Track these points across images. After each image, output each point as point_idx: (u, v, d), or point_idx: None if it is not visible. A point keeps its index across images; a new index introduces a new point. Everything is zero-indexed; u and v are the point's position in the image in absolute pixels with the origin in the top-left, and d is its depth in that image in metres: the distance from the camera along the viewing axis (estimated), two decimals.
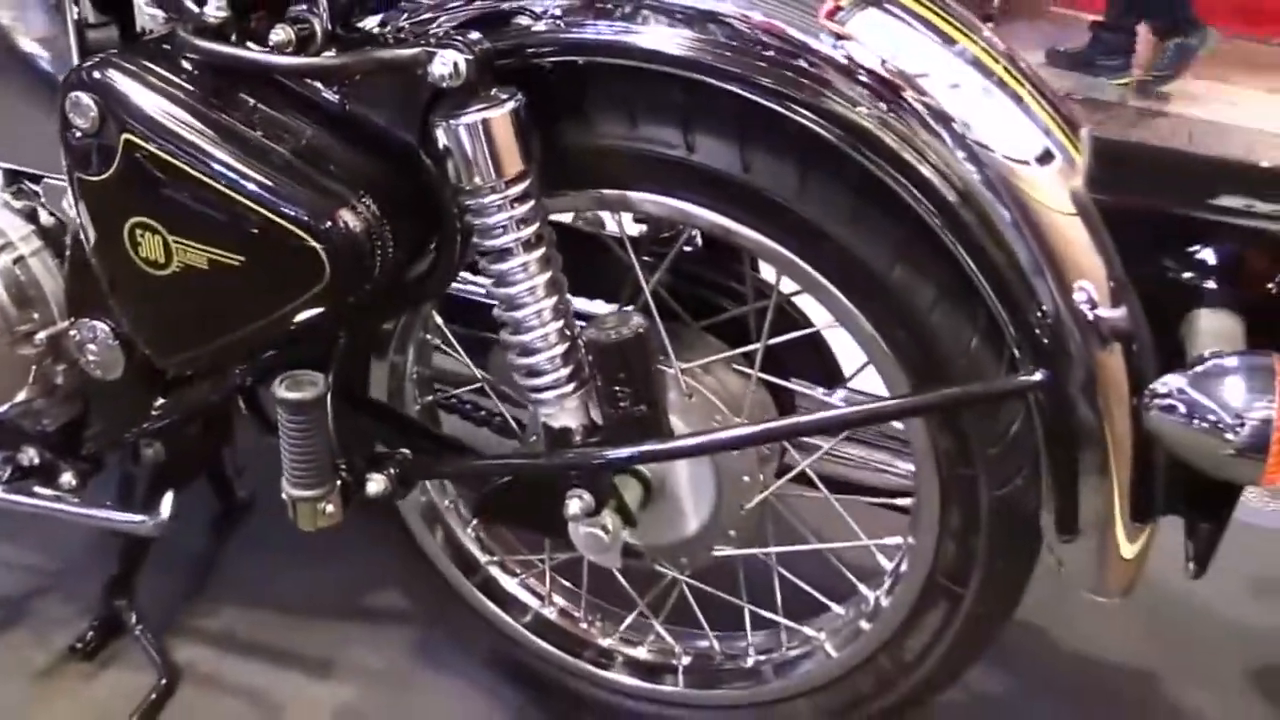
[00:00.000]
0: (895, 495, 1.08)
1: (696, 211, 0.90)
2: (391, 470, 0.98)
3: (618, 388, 0.90)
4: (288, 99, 0.88)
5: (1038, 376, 0.83)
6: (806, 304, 1.00)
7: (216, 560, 1.41)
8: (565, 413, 0.92)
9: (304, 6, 0.88)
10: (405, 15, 0.89)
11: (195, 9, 0.88)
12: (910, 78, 0.81)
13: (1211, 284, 0.82)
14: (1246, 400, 0.75)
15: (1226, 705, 1.28)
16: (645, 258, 1.04)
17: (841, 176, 0.85)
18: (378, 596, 1.35)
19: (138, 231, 0.89)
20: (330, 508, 0.95)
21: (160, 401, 1.08)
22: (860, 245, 0.87)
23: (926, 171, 0.81)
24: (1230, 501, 0.86)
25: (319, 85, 0.88)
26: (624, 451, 0.91)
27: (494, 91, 0.84)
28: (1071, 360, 0.82)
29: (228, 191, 0.85)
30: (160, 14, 0.93)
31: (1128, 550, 0.89)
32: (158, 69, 0.87)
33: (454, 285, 1.04)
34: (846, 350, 1.00)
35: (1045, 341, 0.82)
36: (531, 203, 0.87)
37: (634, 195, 0.91)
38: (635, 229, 1.09)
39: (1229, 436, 0.75)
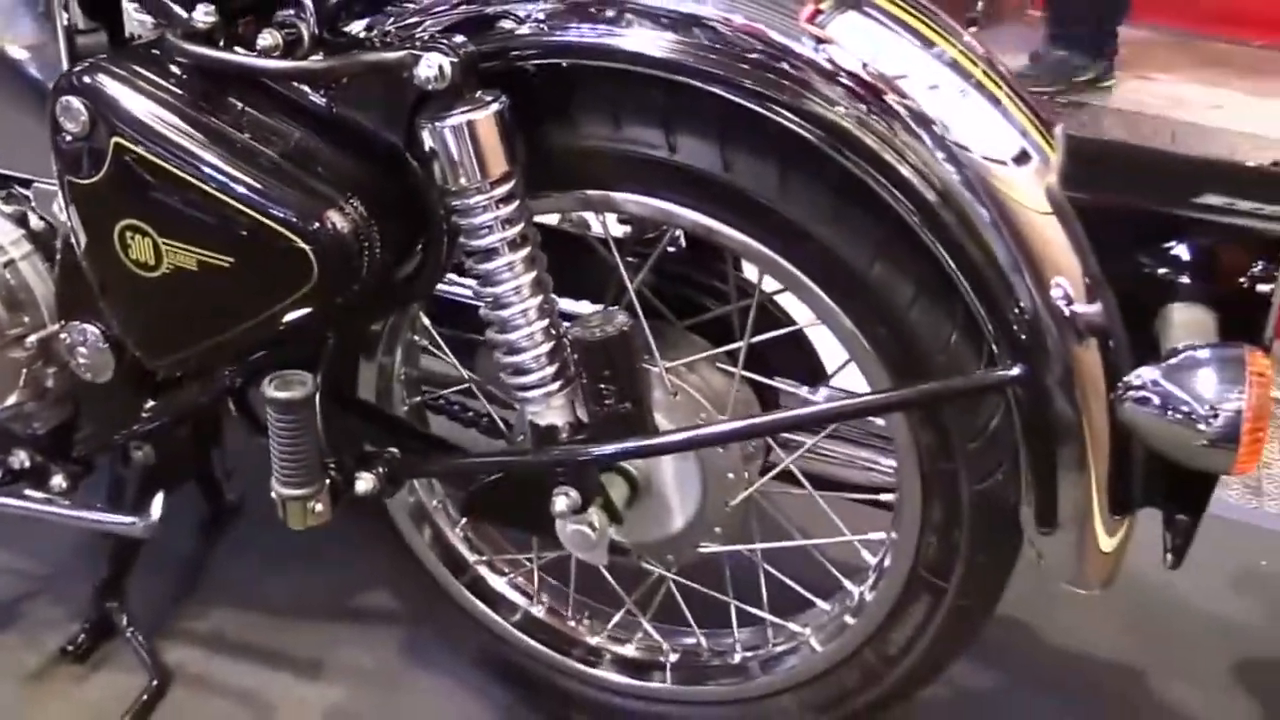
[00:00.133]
0: (878, 491, 1.10)
1: (679, 211, 0.91)
2: (380, 469, 0.99)
3: (603, 385, 0.91)
4: (275, 102, 0.89)
5: (1015, 371, 0.85)
6: (789, 303, 1.01)
7: (206, 562, 1.41)
8: (551, 410, 0.93)
9: (291, 11, 0.89)
10: (391, 19, 0.90)
11: (183, 14, 0.89)
12: (890, 80, 0.83)
13: (1185, 279, 0.83)
14: (1218, 391, 0.76)
15: (1207, 699, 1.29)
16: (629, 258, 1.06)
17: (822, 176, 0.86)
18: (367, 597, 1.36)
19: (128, 234, 0.90)
20: (319, 506, 0.96)
21: (150, 404, 1.09)
22: (840, 244, 0.88)
23: (906, 171, 0.82)
24: (1206, 493, 0.87)
25: (306, 89, 0.89)
26: (609, 448, 0.92)
27: (479, 94, 0.85)
28: (1049, 355, 0.83)
29: (217, 194, 0.86)
30: (149, 19, 0.94)
31: (1106, 543, 0.91)
32: (147, 73, 0.88)
33: (441, 287, 1.05)
34: (829, 348, 1.01)
35: (1023, 337, 0.83)
36: (516, 203, 0.88)
37: (617, 196, 0.93)
38: (619, 230, 1.10)
39: (1201, 427, 0.76)
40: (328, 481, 0.96)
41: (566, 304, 1.09)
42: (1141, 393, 0.79)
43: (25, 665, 1.27)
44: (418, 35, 0.87)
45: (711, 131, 0.87)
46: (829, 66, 0.82)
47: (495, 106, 0.85)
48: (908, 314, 0.89)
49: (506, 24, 0.87)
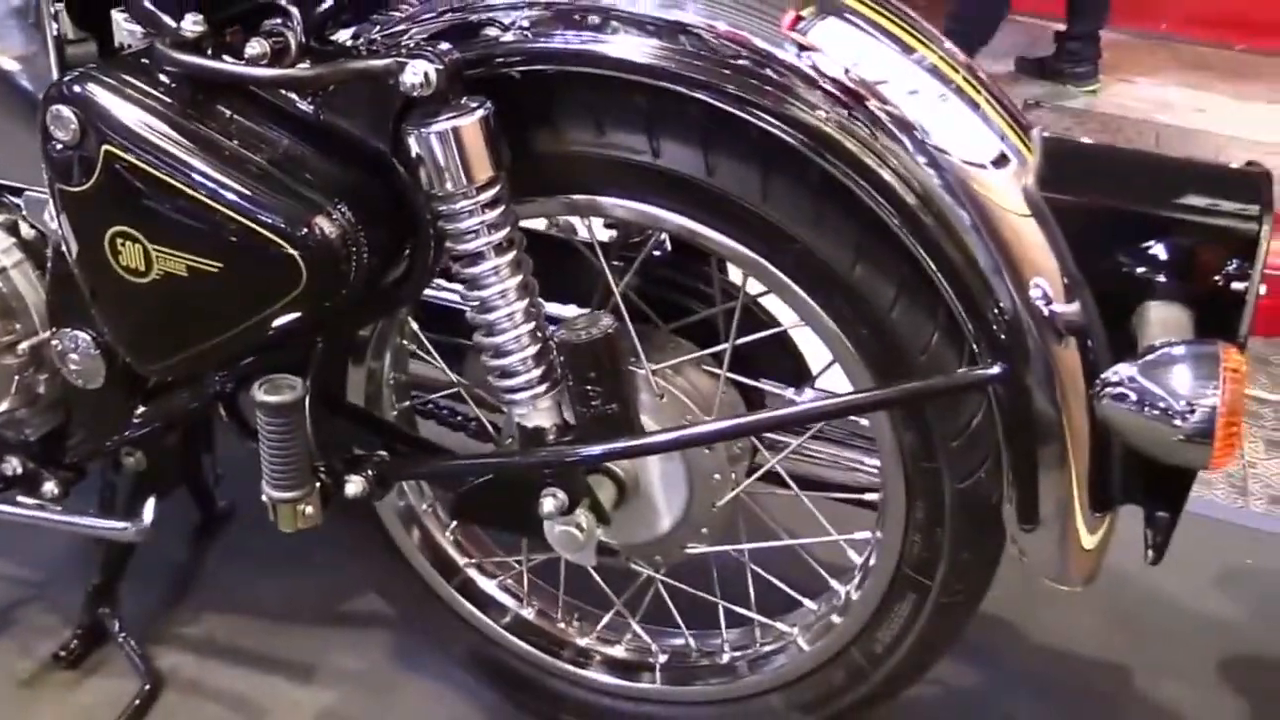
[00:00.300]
0: (864, 491, 1.11)
1: (663, 215, 0.92)
2: (369, 472, 1.00)
3: (589, 387, 0.92)
4: (264, 110, 0.90)
5: (995, 370, 0.86)
6: (774, 305, 1.03)
7: (198, 568, 1.42)
8: (538, 413, 0.94)
9: (278, 20, 0.90)
10: (377, 28, 0.92)
11: (172, 24, 0.90)
12: (871, 85, 0.84)
13: (1161, 278, 0.84)
14: (1193, 387, 0.77)
15: (1195, 696, 1.31)
16: (615, 262, 1.07)
17: (804, 180, 0.87)
18: (358, 601, 1.36)
19: (118, 240, 0.91)
20: (309, 509, 0.96)
21: (141, 409, 1.10)
22: (823, 246, 0.89)
23: (886, 175, 0.83)
24: (1184, 489, 0.88)
25: (294, 96, 0.90)
26: (595, 449, 0.93)
27: (464, 100, 0.86)
28: (1028, 354, 0.84)
29: (206, 200, 0.87)
30: (138, 29, 0.94)
31: (1088, 540, 0.92)
32: (136, 82, 0.89)
33: (429, 292, 1.06)
34: (814, 350, 1.02)
35: (1002, 337, 0.84)
36: (502, 208, 0.89)
37: (603, 200, 0.94)
38: (605, 234, 1.11)
39: (1177, 422, 0.77)
40: (318, 484, 0.97)
41: (553, 308, 1.10)
42: (1119, 389, 0.80)
43: (18, 671, 1.28)
44: (403, 43, 0.88)
45: (694, 136, 0.89)
46: (811, 72, 0.84)
47: (480, 112, 0.86)
48: (889, 315, 0.90)
49: (491, 31, 0.88)
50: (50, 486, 1.16)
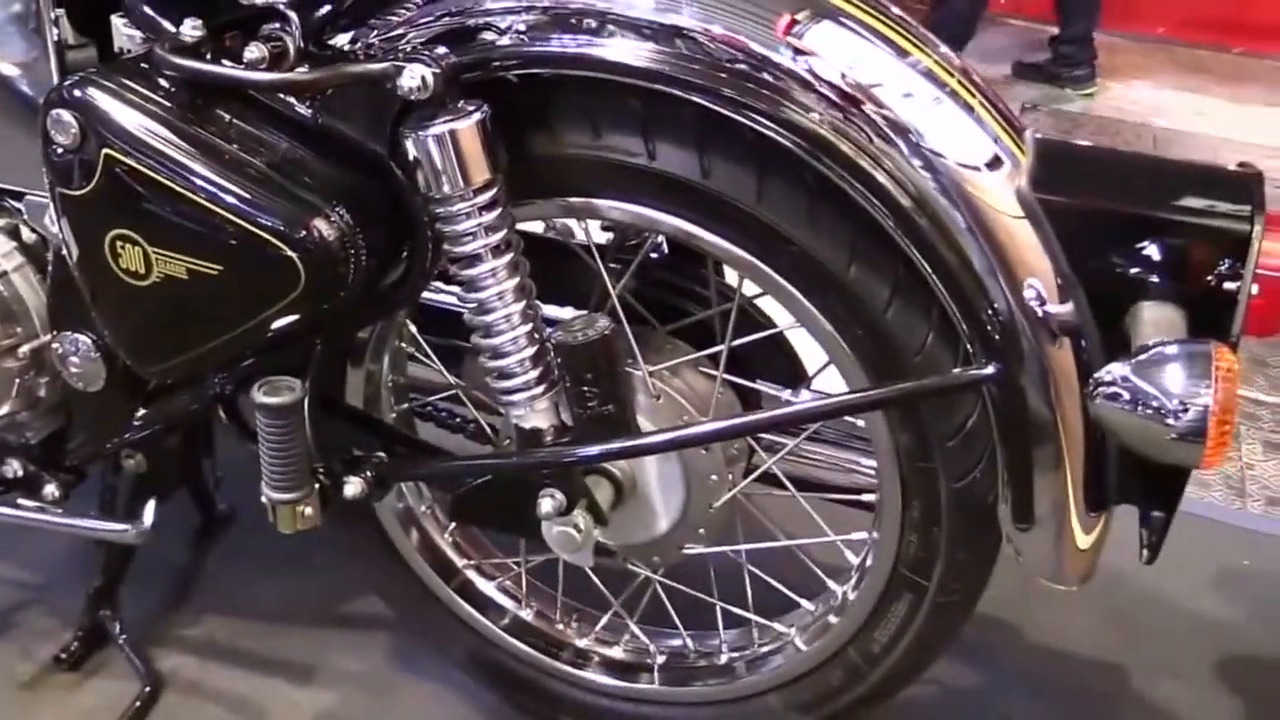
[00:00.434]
0: (860, 492, 1.11)
1: (659, 217, 0.93)
2: (368, 473, 1.01)
3: (585, 388, 0.93)
4: (262, 114, 0.91)
5: (989, 370, 0.86)
6: (770, 307, 1.03)
7: (198, 570, 1.43)
8: (535, 414, 0.95)
9: (277, 25, 0.91)
10: (375, 31, 0.92)
11: (172, 28, 0.91)
12: (866, 88, 0.84)
13: (1154, 278, 0.84)
14: (1186, 386, 0.77)
15: (1191, 696, 1.31)
16: (612, 264, 1.08)
17: (799, 182, 0.88)
18: (357, 603, 1.37)
19: (118, 243, 0.92)
20: (309, 510, 0.97)
21: (141, 412, 1.10)
22: (818, 248, 0.90)
23: (881, 178, 0.84)
24: (1178, 488, 0.89)
25: (292, 100, 0.91)
26: (592, 449, 0.94)
27: (461, 103, 0.87)
28: (1022, 354, 0.85)
29: (206, 203, 0.87)
30: (138, 34, 0.95)
31: (1083, 539, 0.92)
32: (136, 86, 0.90)
33: (427, 294, 1.07)
34: (811, 351, 1.03)
35: (996, 337, 0.85)
36: (499, 210, 0.90)
37: (599, 202, 0.94)
38: (603, 237, 1.12)
39: (1170, 421, 0.77)
40: (317, 486, 0.98)
41: (551, 310, 1.11)
42: (1112, 388, 0.80)
43: (18, 673, 1.28)
44: (401, 47, 0.89)
45: (690, 139, 0.89)
46: (806, 76, 0.84)
47: (477, 116, 0.87)
48: (884, 316, 0.90)
49: (488, 35, 0.89)
50: (51, 489, 1.16)
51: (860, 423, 1.07)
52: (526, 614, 1.22)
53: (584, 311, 1.07)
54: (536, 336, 0.93)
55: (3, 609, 1.36)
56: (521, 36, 0.88)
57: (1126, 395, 0.80)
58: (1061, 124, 2.84)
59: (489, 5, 0.89)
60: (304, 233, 0.86)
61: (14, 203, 1.10)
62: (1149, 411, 0.79)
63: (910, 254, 0.86)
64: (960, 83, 0.89)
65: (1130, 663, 1.34)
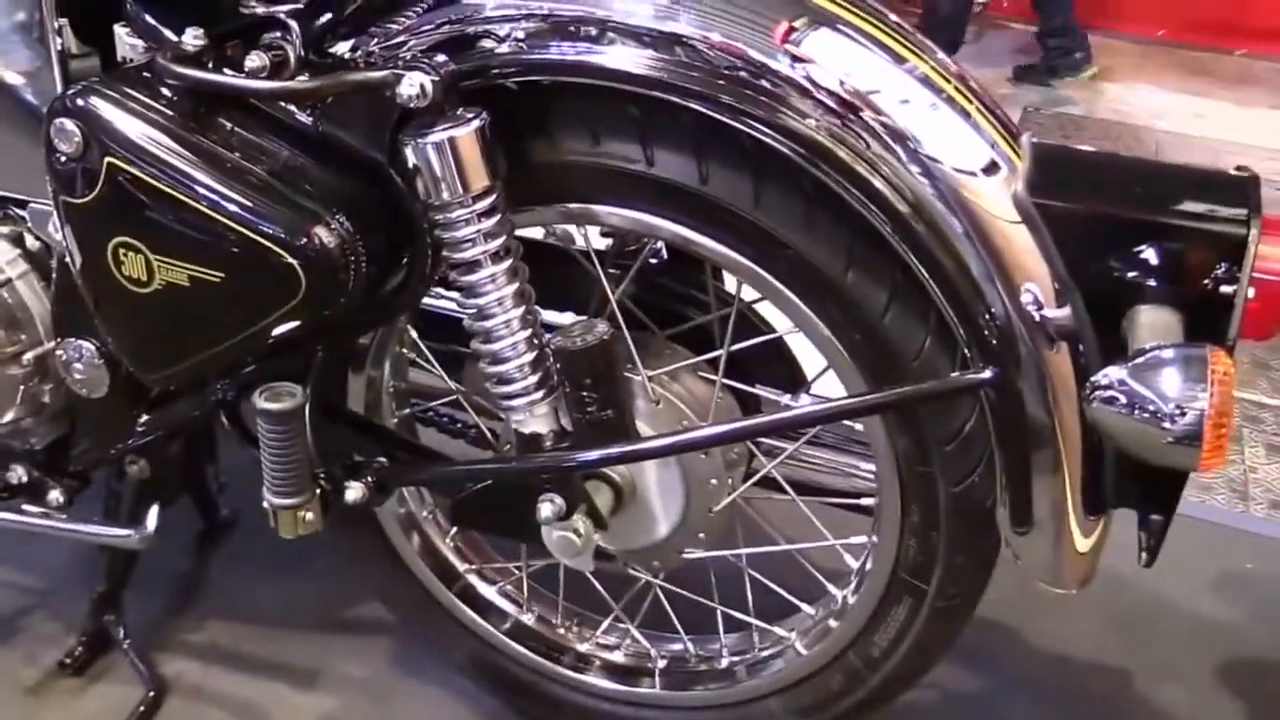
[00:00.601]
0: (860, 496, 1.11)
1: (658, 223, 0.93)
2: (369, 478, 1.01)
3: (585, 394, 0.93)
4: (263, 122, 0.92)
5: (987, 374, 0.86)
6: (770, 312, 1.04)
7: (201, 575, 1.43)
8: (535, 419, 0.95)
9: (277, 34, 0.91)
10: (375, 39, 0.93)
11: (173, 37, 0.91)
12: (863, 95, 0.85)
13: (1151, 282, 0.84)
14: (1182, 390, 0.77)
15: (1192, 699, 1.31)
16: (612, 270, 1.08)
17: (797, 188, 0.88)
18: (359, 608, 1.37)
19: (121, 251, 0.92)
20: (310, 515, 0.97)
21: (144, 418, 1.11)
22: (815, 253, 0.90)
23: (878, 183, 0.84)
24: (1176, 492, 0.89)
25: (293, 108, 0.91)
26: (592, 454, 0.94)
27: (460, 111, 0.87)
28: (1020, 359, 0.85)
29: (207, 211, 0.88)
30: (140, 43, 0.96)
31: (1082, 543, 0.92)
32: (138, 95, 0.90)
33: (427, 300, 1.08)
34: (811, 356, 1.03)
35: (994, 342, 0.85)
36: (498, 217, 0.90)
37: (598, 208, 0.95)
38: (602, 242, 1.12)
39: (1167, 425, 0.77)
40: (318, 491, 0.98)
41: (551, 316, 1.11)
42: (1109, 392, 0.80)
43: (23, 679, 1.29)
44: (401, 55, 0.89)
45: (688, 145, 0.90)
46: (803, 82, 0.85)
47: (476, 123, 0.87)
48: (882, 320, 0.91)
49: (487, 43, 0.89)
50: (55, 495, 1.17)
51: (859, 427, 1.07)
52: (528, 618, 1.22)
53: (584, 317, 1.08)
54: (536, 342, 0.94)
55: (7, 614, 1.37)
56: (520, 44, 0.89)
57: (1123, 399, 0.80)
58: (1064, 127, 2.83)
59: (488, 13, 0.90)
60: (305, 240, 0.87)
61: (18, 210, 1.11)
62: (1145, 415, 0.79)
63: (907, 259, 0.86)
64: (957, 88, 0.89)
65: (1132, 666, 1.34)
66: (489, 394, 0.98)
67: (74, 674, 1.29)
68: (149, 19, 0.94)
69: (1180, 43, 3.20)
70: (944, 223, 0.84)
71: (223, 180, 0.88)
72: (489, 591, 1.22)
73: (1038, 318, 0.84)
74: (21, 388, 1.11)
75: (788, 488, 1.10)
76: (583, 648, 1.22)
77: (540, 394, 0.94)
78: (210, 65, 0.90)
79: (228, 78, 0.90)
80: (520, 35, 0.89)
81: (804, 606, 1.13)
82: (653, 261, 1.13)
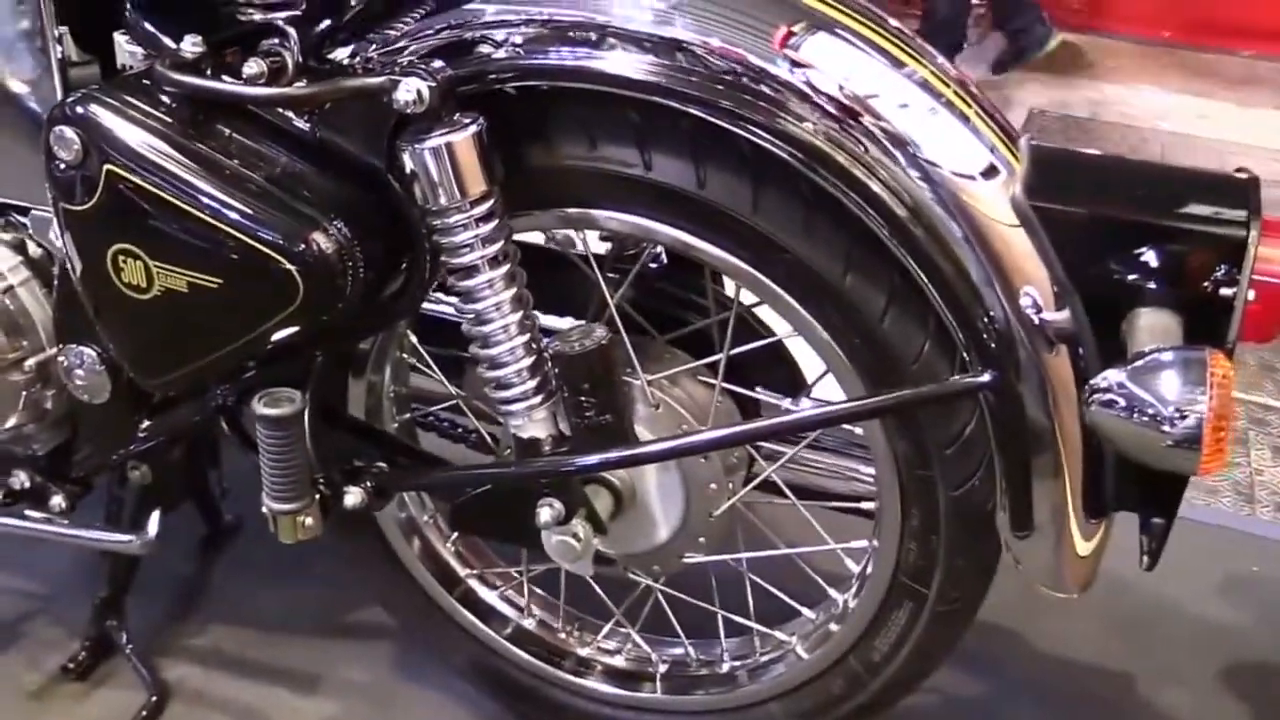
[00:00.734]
0: (860, 500, 1.11)
1: (656, 227, 0.93)
2: (368, 483, 1.02)
3: (583, 398, 0.93)
4: (261, 128, 0.92)
5: (985, 378, 0.86)
6: (770, 316, 1.03)
7: (203, 580, 1.43)
8: (533, 424, 0.95)
9: (275, 40, 0.92)
10: (374, 45, 0.93)
11: (172, 45, 0.92)
12: (861, 99, 0.85)
13: (1151, 284, 0.84)
14: (1181, 393, 0.77)
15: (1196, 703, 1.30)
16: (611, 274, 1.08)
17: (794, 192, 0.88)
18: (361, 613, 1.37)
19: (120, 258, 0.93)
20: (309, 520, 0.98)
21: (146, 424, 1.11)
22: (814, 257, 0.90)
23: (876, 187, 0.84)
24: (1176, 495, 0.88)
25: (291, 115, 0.92)
26: (590, 459, 0.94)
27: (457, 116, 0.87)
28: (1019, 362, 0.85)
29: (205, 217, 0.88)
30: (139, 51, 0.96)
31: (1083, 546, 0.92)
32: (137, 102, 0.91)
33: (427, 305, 1.08)
34: (810, 360, 1.03)
35: (992, 345, 0.85)
36: (496, 221, 0.90)
37: (596, 213, 0.95)
38: (602, 247, 1.12)
39: (1166, 428, 0.77)
40: (317, 496, 0.98)
41: (551, 320, 1.11)
42: (1108, 395, 0.80)
43: (26, 683, 1.29)
44: (399, 61, 0.89)
45: (685, 149, 0.90)
46: (802, 87, 0.85)
47: (473, 128, 0.87)
48: (881, 324, 0.91)
49: (485, 48, 0.89)
50: (57, 500, 1.17)
51: (859, 431, 1.07)
52: (529, 623, 1.22)
53: (583, 322, 1.08)
54: (534, 347, 0.94)
55: (10, 619, 1.37)
56: (518, 49, 0.89)
57: (1122, 402, 0.80)
58: (1068, 129, 2.83)
59: (487, 19, 0.90)
60: (302, 246, 0.87)
61: (20, 217, 1.11)
62: (1145, 419, 0.79)
63: (906, 263, 0.86)
64: (956, 93, 0.89)
65: (1135, 670, 1.34)
66: (488, 399, 0.98)
67: (77, 679, 1.29)
68: (148, 26, 0.95)
69: (1185, 44, 3.19)
70: (943, 226, 0.84)
71: (221, 187, 0.88)
72: (490, 596, 1.22)
73: (1037, 321, 0.84)
74: (24, 393, 1.12)
75: (788, 492, 1.10)
76: (584, 652, 1.21)
77: (538, 399, 0.94)
78: (208, 72, 0.91)
79: (225, 85, 0.90)
80: (518, 40, 0.89)
81: (805, 611, 1.13)
82: (652, 266, 1.13)
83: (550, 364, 0.94)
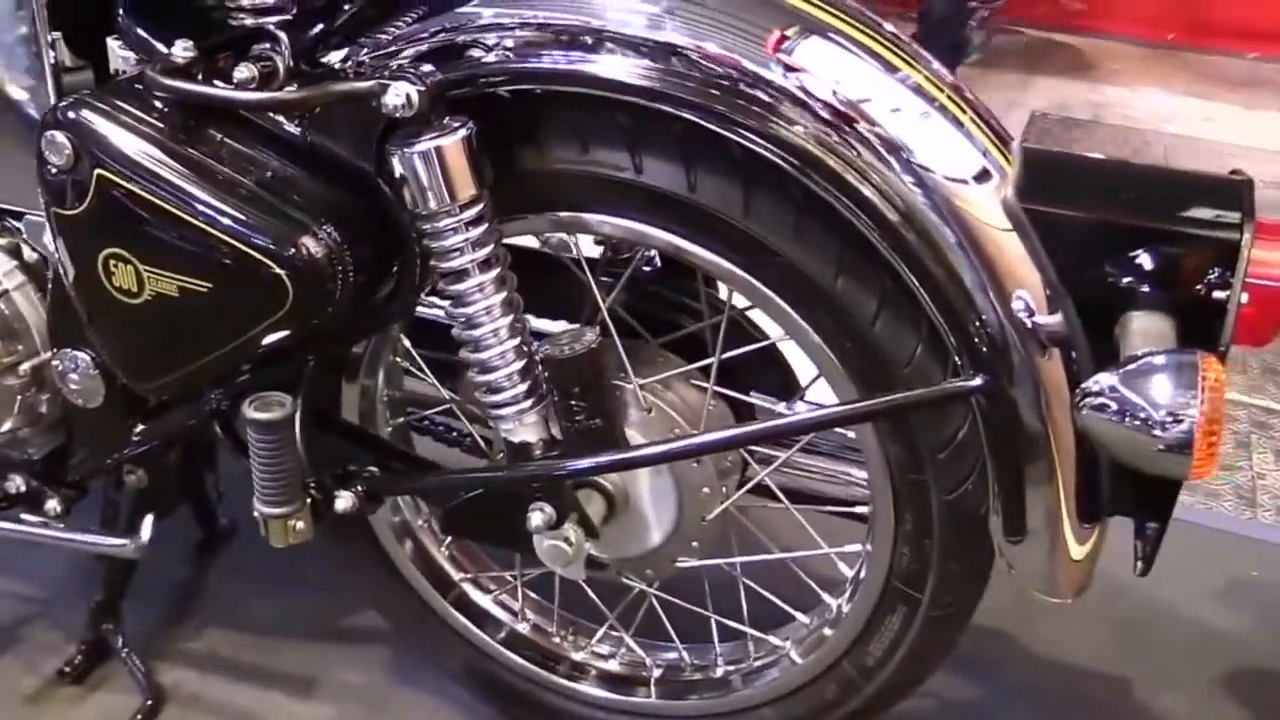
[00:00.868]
0: (854, 504, 1.11)
1: (648, 231, 0.93)
2: (359, 487, 1.02)
3: (573, 402, 0.93)
4: (252, 133, 0.92)
5: (977, 381, 0.86)
6: (764, 319, 1.03)
7: (200, 584, 1.43)
8: (524, 428, 0.95)
9: (267, 45, 0.92)
10: (366, 49, 0.93)
11: (164, 50, 0.92)
12: (854, 103, 0.84)
13: (1144, 287, 0.84)
14: (1172, 397, 0.76)
15: (1194, 707, 1.30)
16: (605, 278, 1.08)
17: (786, 196, 0.88)
18: (356, 617, 1.37)
19: (111, 262, 0.93)
20: (300, 524, 0.98)
21: (140, 428, 1.11)
22: (805, 260, 0.90)
23: (868, 191, 0.84)
24: (1170, 500, 0.88)
25: (281, 119, 0.92)
26: (581, 463, 0.94)
27: (446, 120, 0.87)
28: (1011, 366, 0.85)
29: (195, 222, 0.88)
30: (132, 56, 0.96)
31: (1077, 551, 0.92)
32: (128, 107, 0.91)
33: (421, 309, 1.08)
34: (805, 363, 1.02)
35: (984, 349, 0.85)
36: (486, 226, 0.90)
37: (588, 217, 0.95)
38: (595, 251, 1.12)
39: (1157, 433, 0.77)
40: (308, 500, 0.98)
41: (545, 324, 1.11)
42: (1099, 399, 0.80)
43: (23, 687, 1.29)
44: (390, 64, 0.89)
45: (676, 153, 0.90)
46: (794, 91, 0.84)
47: (462, 132, 0.87)
48: (872, 328, 0.90)
49: (476, 52, 0.89)
50: (53, 504, 1.18)
51: (851, 434, 1.07)
52: (523, 627, 1.22)
53: (577, 325, 1.08)
54: (524, 350, 0.94)
55: (7, 623, 1.37)
56: (508, 53, 0.89)
57: (1113, 406, 0.79)
58: (1070, 131, 2.82)
59: (481, 22, 0.90)
60: (292, 251, 0.87)
61: (14, 222, 1.11)
62: (1136, 423, 0.78)
63: (897, 267, 0.86)
64: (950, 98, 0.89)
65: (1132, 674, 1.33)
66: (480, 402, 0.98)
67: (73, 682, 1.29)
68: (140, 32, 0.95)
69: (1189, 46, 3.18)
70: (935, 231, 0.84)
71: (210, 191, 0.88)
72: (484, 600, 1.22)
73: (1029, 324, 0.84)
74: (19, 398, 1.12)
75: (781, 496, 1.10)
76: (578, 656, 1.21)
77: (529, 403, 0.94)
78: (199, 77, 0.91)
79: (215, 89, 0.90)
80: (510, 44, 0.89)
81: (799, 615, 1.12)
82: (646, 269, 1.13)
83: (541, 368, 0.94)
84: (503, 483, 0.99)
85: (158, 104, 0.91)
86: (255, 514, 0.98)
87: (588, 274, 1.03)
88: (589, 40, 0.87)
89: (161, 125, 0.90)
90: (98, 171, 0.90)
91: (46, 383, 1.12)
